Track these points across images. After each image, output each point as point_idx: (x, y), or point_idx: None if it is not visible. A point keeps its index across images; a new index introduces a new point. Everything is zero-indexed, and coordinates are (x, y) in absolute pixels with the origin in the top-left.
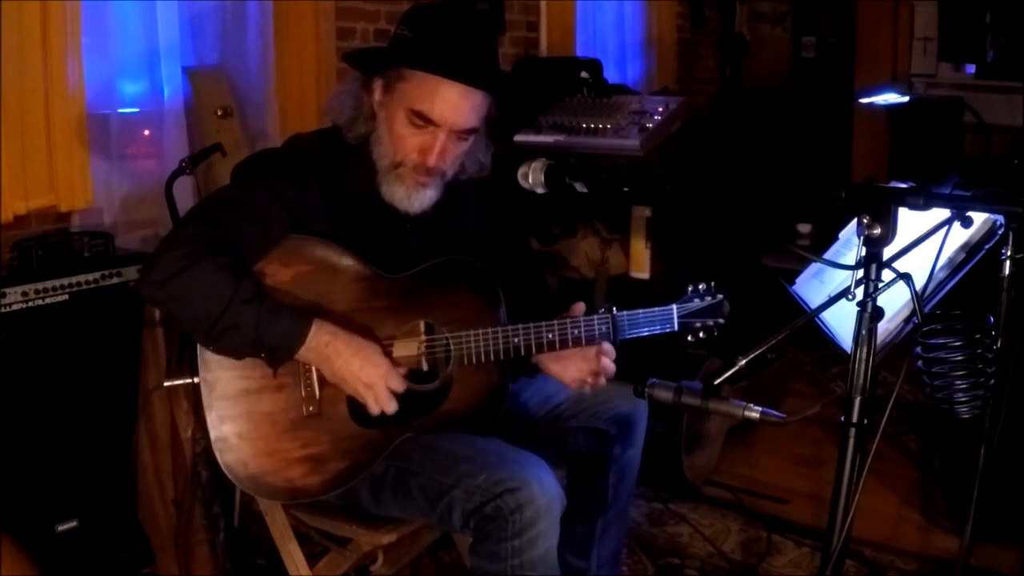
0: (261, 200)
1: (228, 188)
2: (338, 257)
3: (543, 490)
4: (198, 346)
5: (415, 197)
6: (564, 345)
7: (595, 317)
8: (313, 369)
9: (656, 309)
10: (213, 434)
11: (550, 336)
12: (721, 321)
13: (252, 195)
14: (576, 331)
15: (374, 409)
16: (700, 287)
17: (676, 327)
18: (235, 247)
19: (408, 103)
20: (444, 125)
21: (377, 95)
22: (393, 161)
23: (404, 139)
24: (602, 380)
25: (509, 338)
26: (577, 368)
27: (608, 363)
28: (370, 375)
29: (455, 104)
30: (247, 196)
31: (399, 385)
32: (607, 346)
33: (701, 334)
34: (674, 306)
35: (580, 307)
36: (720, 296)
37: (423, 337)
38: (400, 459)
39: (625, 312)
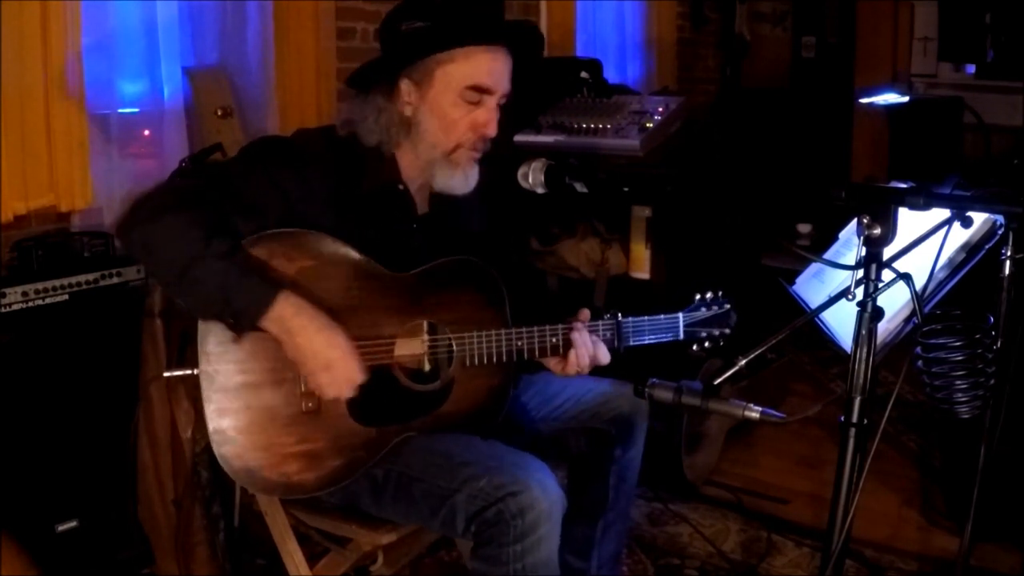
0: (256, 179)
1: (227, 162)
2: (345, 253)
3: (545, 494)
4: (200, 338)
5: (471, 175)
6: (567, 350)
7: (600, 323)
8: None
9: (662, 317)
10: (211, 426)
11: (554, 340)
12: (727, 331)
13: (247, 172)
14: None
15: (328, 393)
16: (708, 296)
17: (682, 336)
18: (218, 208)
19: (460, 82)
20: (497, 91)
21: (407, 96)
22: (447, 148)
23: (458, 121)
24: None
25: (512, 341)
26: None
27: (581, 354)
28: (330, 356)
29: (503, 68)
30: (242, 171)
31: (357, 372)
32: (575, 336)
33: (707, 344)
34: (680, 314)
35: (586, 313)
36: (727, 306)
37: (426, 337)
38: (401, 464)
39: (631, 318)
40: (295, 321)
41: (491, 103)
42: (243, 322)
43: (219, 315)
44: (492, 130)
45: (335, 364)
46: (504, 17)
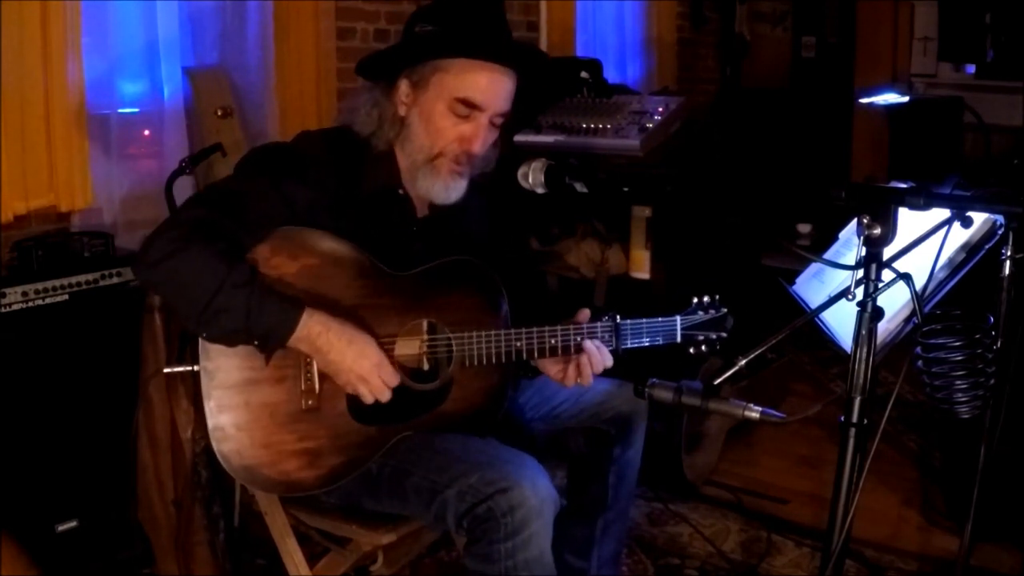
0: (261, 192)
1: (230, 179)
2: (345, 252)
3: (535, 491)
4: None
5: (452, 187)
6: (566, 351)
7: (598, 324)
8: (314, 362)
9: (660, 319)
10: (211, 423)
11: (552, 341)
12: (724, 335)
13: (252, 187)
14: (579, 337)
15: (368, 399)
16: (704, 300)
17: (679, 339)
18: (231, 234)
19: (451, 92)
20: (488, 109)
21: (403, 95)
22: (430, 154)
23: (444, 130)
24: (584, 380)
25: (511, 341)
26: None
27: (587, 363)
28: (363, 367)
29: (499, 88)
30: (247, 187)
31: (392, 377)
32: (588, 345)
33: (703, 347)
34: (678, 317)
35: (585, 314)
36: (724, 310)
37: (425, 336)
38: (396, 458)
39: (629, 320)
40: (323, 339)
41: (481, 120)
42: (270, 344)
43: (245, 340)
44: (477, 147)
45: (369, 375)
46: (517, 43)
